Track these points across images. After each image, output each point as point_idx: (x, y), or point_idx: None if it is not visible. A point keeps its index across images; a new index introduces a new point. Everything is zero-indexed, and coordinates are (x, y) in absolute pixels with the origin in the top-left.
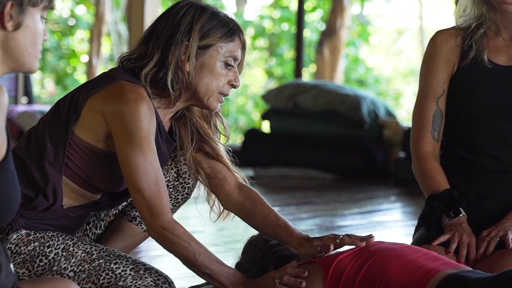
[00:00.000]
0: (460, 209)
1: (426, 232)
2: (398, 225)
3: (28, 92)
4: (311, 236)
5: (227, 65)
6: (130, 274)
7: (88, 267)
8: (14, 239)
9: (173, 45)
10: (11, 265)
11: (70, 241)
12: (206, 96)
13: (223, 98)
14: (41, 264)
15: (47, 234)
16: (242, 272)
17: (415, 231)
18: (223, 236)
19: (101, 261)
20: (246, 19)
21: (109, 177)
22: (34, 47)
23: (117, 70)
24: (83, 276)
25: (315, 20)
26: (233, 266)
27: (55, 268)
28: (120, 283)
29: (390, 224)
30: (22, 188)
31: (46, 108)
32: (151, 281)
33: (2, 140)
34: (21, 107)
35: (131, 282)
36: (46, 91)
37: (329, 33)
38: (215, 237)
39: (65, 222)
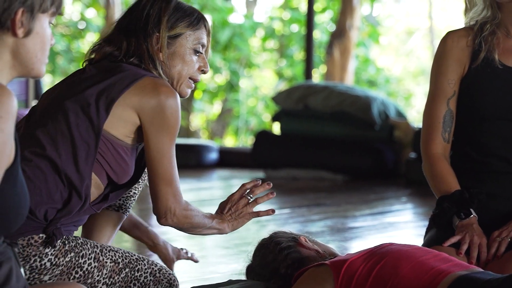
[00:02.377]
0: (471, 210)
1: (437, 233)
2: (410, 226)
3: (38, 95)
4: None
5: (196, 51)
6: (151, 279)
7: (117, 278)
8: (54, 251)
9: (143, 36)
10: (22, 270)
11: (97, 248)
12: (179, 82)
13: (193, 84)
14: (77, 275)
15: (78, 242)
16: (254, 275)
17: (426, 232)
18: (234, 238)
19: (126, 270)
20: (256, 21)
21: (125, 170)
22: (43, 53)
23: (127, 67)
24: None
25: (325, 21)
26: (244, 269)
27: (89, 280)
28: None
29: (401, 225)
30: (55, 190)
31: None
32: (166, 282)
33: (11, 146)
34: None
35: (153, 287)
36: None
37: (339, 34)
38: (226, 239)
39: (83, 218)
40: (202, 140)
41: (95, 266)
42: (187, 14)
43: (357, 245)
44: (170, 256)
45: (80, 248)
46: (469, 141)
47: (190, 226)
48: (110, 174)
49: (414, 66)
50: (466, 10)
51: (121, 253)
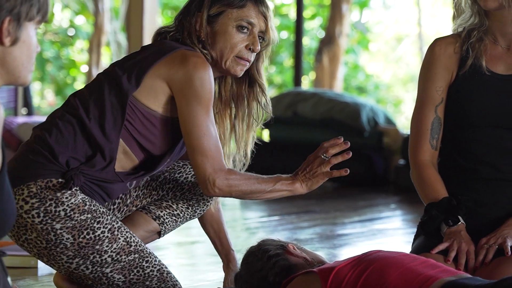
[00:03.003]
0: (459, 217)
1: (425, 240)
2: (399, 233)
3: (27, 103)
4: (311, 246)
5: (240, 28)
6: (156, 275)
7: (124, 258)
8: (72, 203)
9: (188, 16)
10: (9, 278)
11: (116, 223)
12: (223, 60)
13: (244, 62)
14: (87, 237)
15: (100, 209)
16: (242, 283)
17: (414, 239)
18: None
19: (136, 255)
20: None
21: (158, 140)
22: (29, 61)
23: (167, 42)
24: (118, 266)
25: (314, 28)
26: (232, 277)
27: (97, 246)
28: (147, 282)
29: (391, 232)
30: (81, 146)
31: None
32: (171, 285)
33: None
34: (21, 119)
35: (156, 284)
36: (46, 102)
37: (328, 41)
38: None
39: (113, 186)
40: None
41: (107, 237)
42: None
43: (346, 252)
44: None
45: (100, 214)
46: (457, 148)
47: (241, 194)
48: (141, 142)
49: (403, 73)
50: (454, 17)
51: (138, 241)
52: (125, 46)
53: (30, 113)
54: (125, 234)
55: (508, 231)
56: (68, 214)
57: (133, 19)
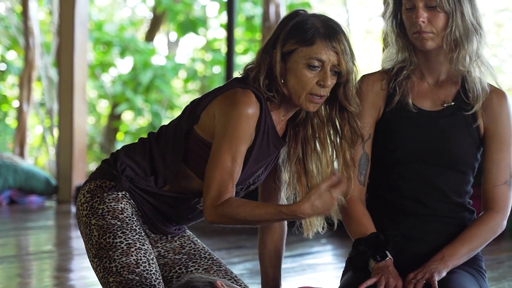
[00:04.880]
0: (387, 252)
1: (353, 276)
2: (329, 268)
3: None
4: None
5: (311, 66)
6: None
7: (125, 274)
8: (111, 206)
9: (264, 53)
10: None
11: (138, 243)
12: (296, 97)
13: (317, 99)
14: (107, 240)
15: (132, 224)
16: None
17: (343, 274)
18: None
19: (136, 278)
20: (178, 62)
21: None
22: None
23: (236, 79)
24: (118, 279)
25: (246, 62)
26: None
27: (110, 252)
28: None
29: (321, 267)
30: (143, 165)
31: None
32: None
33: None
34: None
35: None
36: None
37: None
38: None
39: (164, 207)
40: None
41: (122, 248)
42: (302, 30)
43: None
44: None
45: (129, 228)
46: (385, 184)
47: (235, 222)
48: (198, 168)
49: None
50: (383, 55)
51: (150, 269)
52: (56, 81)
53: None
54: (140, 256)
55: (436, 266)
56: (103, 214)
57: (63, 54)
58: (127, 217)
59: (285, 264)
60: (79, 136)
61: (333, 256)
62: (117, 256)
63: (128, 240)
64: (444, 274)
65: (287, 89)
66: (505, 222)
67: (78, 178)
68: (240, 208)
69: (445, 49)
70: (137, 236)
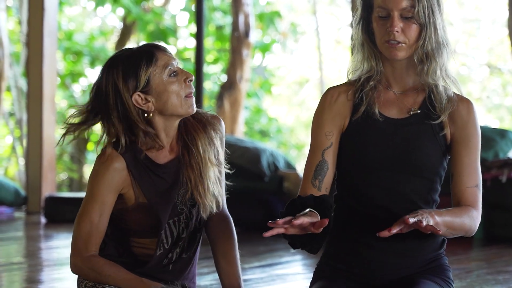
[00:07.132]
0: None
1: (321, 286)
2: (298, 278)
3: None
4: None
5: (171, 74)
6: None
7: None
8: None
9: (127, 109)
10: None
11: None
12: (178, 107)
13: (192, 96)
14: None
15: None
16: None
17: (311, 285)
18: None
19: None
20: None
21: (135, 224)
22: None
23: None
24: None
25: (217, 72)
26: None
27: None
28: None
29: (290, 277)
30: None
31: None
32: None
33: None
34: None
35: None
36: None
37: (229, 86)
38: None
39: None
40: None
41: None
42: (139, 59)
43: None
44: None
45: None
46: (352, 193)
47: (97, 277)
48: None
49: (306, 116)
50: (349, 66)
51: None
52: (26, 91)
53: None
54: None
55: (425, 213)
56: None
57: (32, 64)
58: None
59: (254, 275)
60: (48, 147)
61: (302, 266)
62: None
63: None
64: (431, 223)
65: (166, 110)
66: (479, 220)
67: (48, 189)
68: (106, 266)
69: (415, 60)
70: None
